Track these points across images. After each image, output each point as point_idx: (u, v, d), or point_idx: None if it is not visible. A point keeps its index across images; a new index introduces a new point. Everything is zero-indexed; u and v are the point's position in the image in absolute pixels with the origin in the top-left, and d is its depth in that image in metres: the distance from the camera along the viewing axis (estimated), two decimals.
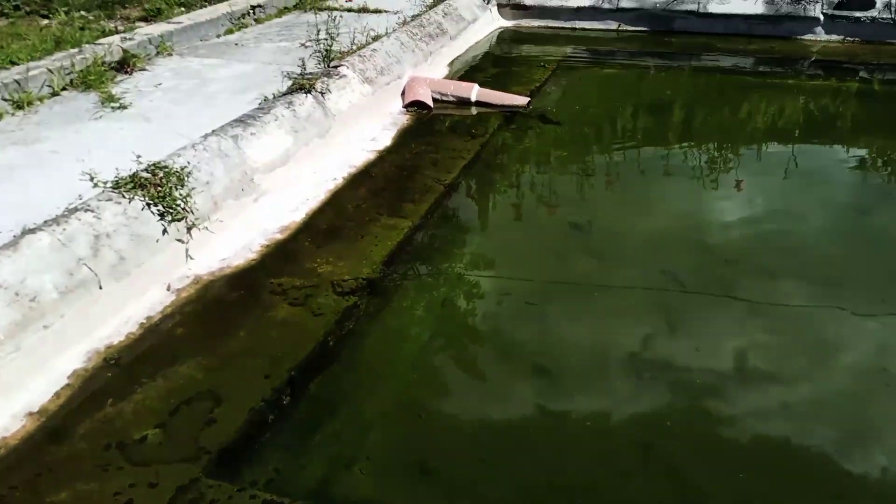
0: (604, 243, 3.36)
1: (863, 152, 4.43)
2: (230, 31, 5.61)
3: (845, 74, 5.86)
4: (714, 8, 6.55)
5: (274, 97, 3.97)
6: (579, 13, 6.97)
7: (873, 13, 6.32)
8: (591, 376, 2.50)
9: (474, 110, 4.93)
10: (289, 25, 5.96)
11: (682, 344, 2.63)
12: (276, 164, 3.50)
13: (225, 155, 3.23)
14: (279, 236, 3.21)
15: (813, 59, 6.16)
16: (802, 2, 6.41)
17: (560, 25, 7.03)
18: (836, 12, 6.37)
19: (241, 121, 3.55)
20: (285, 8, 6.50)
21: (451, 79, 5.47)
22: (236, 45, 5.32)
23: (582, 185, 3.96)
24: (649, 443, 2.21)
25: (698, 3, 6.59)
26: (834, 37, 6.40)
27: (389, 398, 2.41)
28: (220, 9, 5.72)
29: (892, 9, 6.29)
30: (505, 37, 6.92)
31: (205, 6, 5.78)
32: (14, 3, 5.05)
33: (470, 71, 5.82)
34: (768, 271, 3.07)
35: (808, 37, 6.45)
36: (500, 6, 7.22)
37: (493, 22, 7.10)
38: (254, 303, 2.78)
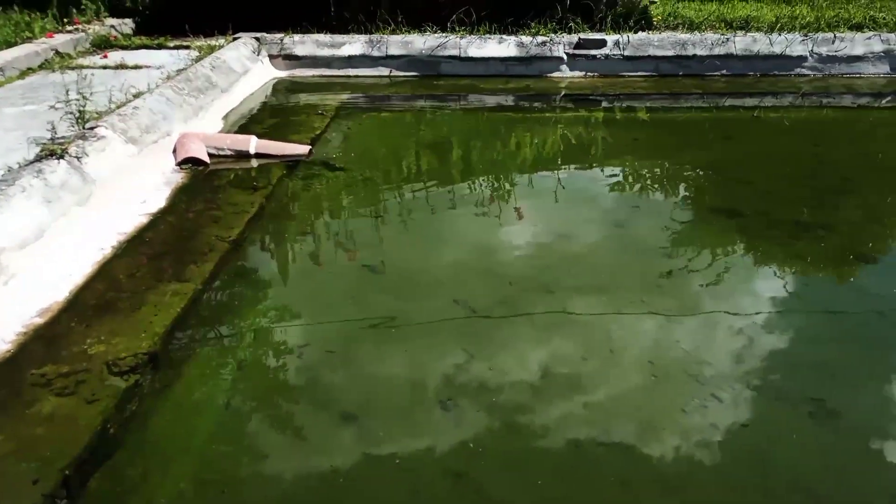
0: (398, 281, 3.42)
1: (615, 171, 5.00)
2: None
3: (591, 105, 6.61)
4: (473, 52, 7.09)
5: (20, 166, 3.56)
6: (351, 61, 7.15)
7: (605, 51, 7.22)
8: (399, 415, 2.51)
9: (255, 162, 4.82)
10: (34, 87, 5.42)
11: (481, 368, 2.74)
12: (27, 240, 3.12)
13: None
14: (39, 320, 2.84)
15: (563, 93, 6.88)
16: (548, 44, 7.17)
17: (334, 74, 7.16)
18: (576, 51, 7.20)
19: None
20: (29, 69, 5.91)
21: (228, 132, 5.31)
22: None
23: (373, 227, 4.01)
24: (459, 470, 2.25)
25: (459, 48, 7.09)
26: (577, 73, 7.22)
27: (186, 478, 2.21)
28: None
29: (621, 46, 7.25)
30: (280, 87, 6.89)
31: None
32: None
33: (247, 123, 5.70)
34: (547, 287, 3.32)
35: (556, 74, 7.20)
36: (272, 57, 7.19)
37: (266, 73, 7.05)
38: (13, 400, 2.42)
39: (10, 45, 6.26)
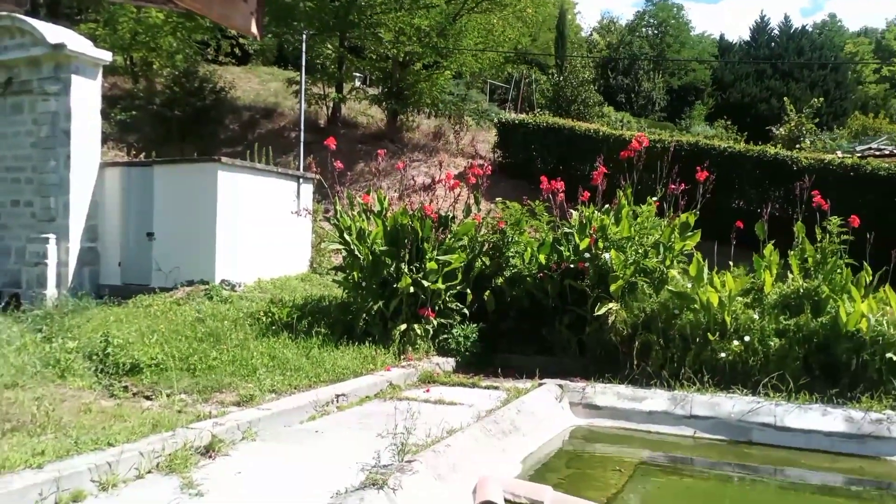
0: None
1: None
2: (313, 418, 5.88)
3: None
4: (791, 422, 6.49)
5: (346, 491, 3.94)
6: (652, 416, 7.02)
7: None
8: None
9: None
10: (368, 414, 6.22)
11: None
12: None
13: None
14: None
15: None
16: (885, 422, 6.29)
17: (633, 427, 7.03)
18: None
19: None
20: (366, 397, 6.87)
21: (523, 477, 5.37)
22: (316, 432, 5.51)
23: None
24: None
25: (775, 416, 6.58)
26: None
27: None
28: (307, 397, 6.10)
29: None
30: (578, 435, 6.94)
31: (293, 393, 6.18)
32: (123, 385, 5.55)
33: (542, 469, 5.73)
34: None
35: None
36: (572, 404, 7.41)
37: (566, 420, 7.21)
38: None
39: (357, 374, 7.44)
